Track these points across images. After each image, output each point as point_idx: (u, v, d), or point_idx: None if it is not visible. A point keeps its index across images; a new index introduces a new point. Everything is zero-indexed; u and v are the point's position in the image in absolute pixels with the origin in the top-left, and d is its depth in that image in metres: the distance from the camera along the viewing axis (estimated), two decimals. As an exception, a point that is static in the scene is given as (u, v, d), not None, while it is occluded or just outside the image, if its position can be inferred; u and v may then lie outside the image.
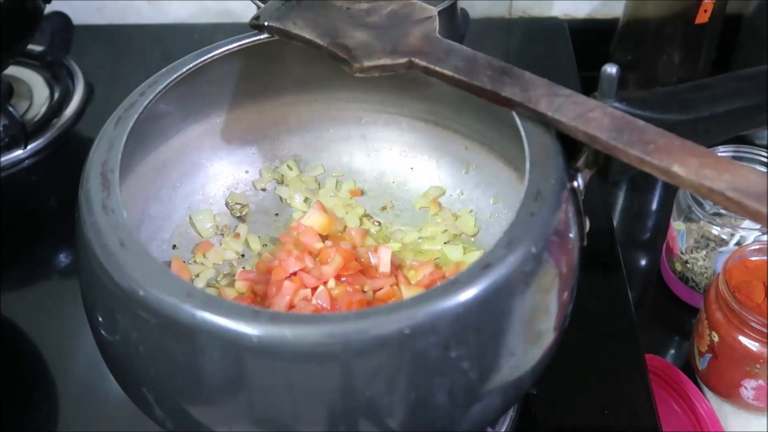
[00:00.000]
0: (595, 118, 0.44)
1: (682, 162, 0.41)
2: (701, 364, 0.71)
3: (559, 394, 0.60)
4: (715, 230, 0.72)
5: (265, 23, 0.53)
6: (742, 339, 0.65)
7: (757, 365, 0.66)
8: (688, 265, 0.76)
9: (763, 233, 0.71)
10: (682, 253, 0.76)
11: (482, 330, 0.40)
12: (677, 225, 0.75)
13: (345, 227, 0.60)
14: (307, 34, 0.52)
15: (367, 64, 0.49)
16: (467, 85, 0.48)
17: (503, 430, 0.57)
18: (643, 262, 0.84)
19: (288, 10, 0.53)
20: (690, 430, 0.69)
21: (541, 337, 0.44)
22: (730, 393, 0.70)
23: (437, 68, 0.48)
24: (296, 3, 0.54)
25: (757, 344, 0.65)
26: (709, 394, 0.72)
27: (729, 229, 0.72)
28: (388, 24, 0.52)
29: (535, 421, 0.59)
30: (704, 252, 0.74)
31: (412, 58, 0.49)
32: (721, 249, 0.73)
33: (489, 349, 0.41)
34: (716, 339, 0.67)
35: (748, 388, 0.68)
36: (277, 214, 0.63)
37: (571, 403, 0.60)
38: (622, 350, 0.64)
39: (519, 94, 0.46)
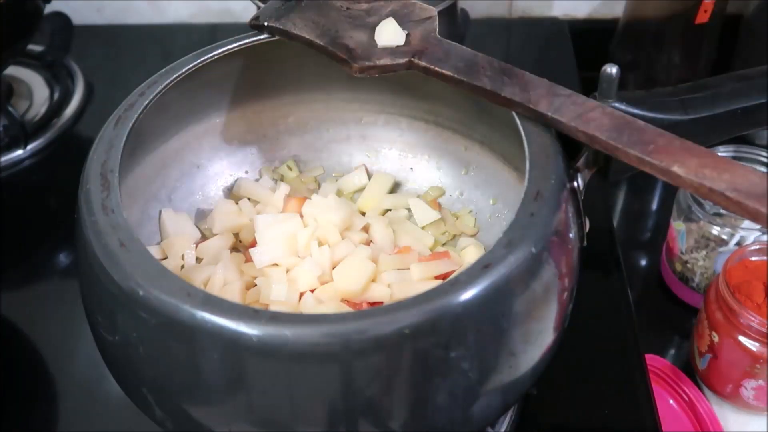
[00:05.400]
0: (595, 118, 0.44)
1: (682, 162, 0.41)
2: (701, 364, 0.71)
3: (559, 394, 0.60)
4: (715, 230, 0.72)
5: (265, 23, 0.53)
6: (742, 339, 0.65)
7: (757, 365, 0.66)
8: (688, 265, 0.76)
9: (763, 233, 0.71)
10: (682, 253, 0.76)
11: (482, 330, 0.40)
12: (677, 225, 0.75)
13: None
14: (306, 35, 0.52)
15: (367, 64, 0.49)
16: (467, 86, 0.48)
17: (503, 430, 0.57)
18: (643, 262, 0.84)
19: (287, 10, 0.53)
20: (690, 430, 0.69)
21: (541, 337, 0.44)
22: (730, 393, 0.70)
23: (437, 68, 0.48)
24: (295, 3, 0.54)
25: (757, 344, 0.65)
26: (709, 394, 0.72)
27: (729, 229, 0.72)
28: None
29: (535, 421, 0.59)
30: (704, 252, 0.74)
31: (412, 59, 0.49)
32: (721, 249, 0.73)
33: (489, 349, 0.41)
34: (716, 339, 0.67)
35: (748, 388, 0.68)
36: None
37: (571, 403, 0.60)
38: (622, 350, 0.63)
39: (519, 95, 0.46)
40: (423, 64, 0.49)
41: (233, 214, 0.60)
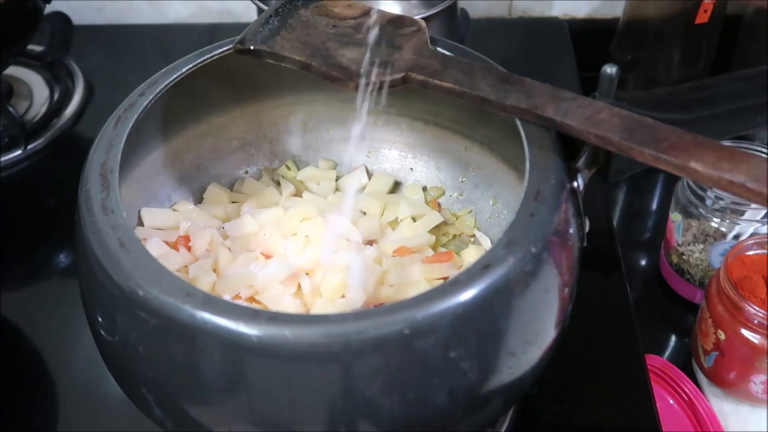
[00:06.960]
0: (605, 119, 0.44)
1: (698, 157, 0.41)
2: (707, 362, 0.71)
3: (559, 394, 0.60)
4: (715, 224, 0.73)
5: (252, 47, 0.51)
6: (749, 335, 0.65)
7: (766, 360, 0.66)
8: (684, 257, 0.76)
9: (763, 224, 0.71)
10: (678, 245, 0.76)
11: (482, 330, 0.40)
12: (674, 216, 0.76)
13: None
14: (297, 56, 0.50)
15: (363, 81, 0.49)
16: (470, 96, 0.47)
17: (503, 430, 0.57)
18: (642, 262, 0.84)
19: (271, 32, 0.52)
20: (690, 430, 0.69)
21: (540, 337, 0.44)
22: (739, 389, 0.70)
23: (436, 81, 0.48)
24: (278, 24, 0.52)
25: (764, 340, 0.65)
26: (715, 390, 0.72)
27: (728, 223, 0.72)
28: (378, 40, 0.51)
29: (535, 421, 0.59)
30: (701, 246, 0.74)
31: (409, 73, 0.49)
32: (716, 242, 0.73)
33: (489, 350, 0.41)
34: (722, 337, 0.67)
35: (757, 383, 0.68)
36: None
37: (571, 403, 0.60)
38: (622, 350, 0.64)
39: (524, 102, 0.46)
40: (420, 78, 0.48)
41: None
